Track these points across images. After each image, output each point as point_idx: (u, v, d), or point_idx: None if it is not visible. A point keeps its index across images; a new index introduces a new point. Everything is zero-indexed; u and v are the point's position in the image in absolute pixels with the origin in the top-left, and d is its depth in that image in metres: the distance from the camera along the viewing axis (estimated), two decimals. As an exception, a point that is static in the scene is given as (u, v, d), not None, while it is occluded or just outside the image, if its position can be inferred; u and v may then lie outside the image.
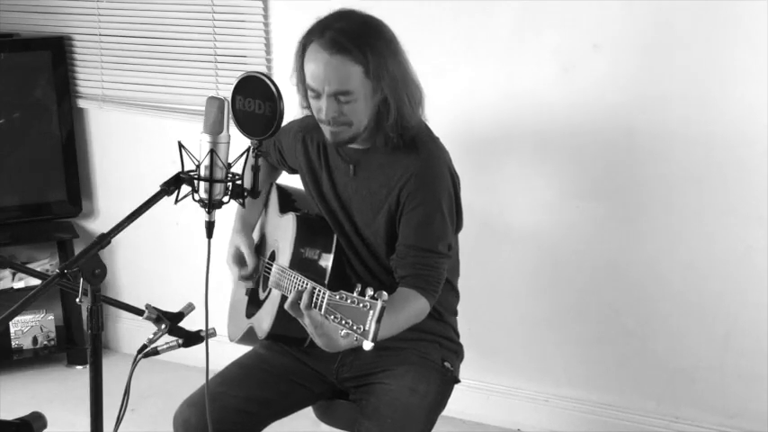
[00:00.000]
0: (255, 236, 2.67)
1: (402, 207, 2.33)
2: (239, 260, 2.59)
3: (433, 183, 2.33)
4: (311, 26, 2.27)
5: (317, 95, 2.25)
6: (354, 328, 1.85)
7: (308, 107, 2.35)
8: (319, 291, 2.01)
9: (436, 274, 2.32)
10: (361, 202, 2.40)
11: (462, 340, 2.58)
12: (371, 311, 1.83)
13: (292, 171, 2.64)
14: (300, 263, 2.37)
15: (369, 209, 2.39)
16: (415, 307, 2.28)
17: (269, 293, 2.48)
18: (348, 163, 2.40)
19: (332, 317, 1.91)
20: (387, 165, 2.35)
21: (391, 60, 2.26)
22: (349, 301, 1.88)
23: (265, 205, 2.69)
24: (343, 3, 2.33)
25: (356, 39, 2.21)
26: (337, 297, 1.91)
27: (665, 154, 3.12)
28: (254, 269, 2.58)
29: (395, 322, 2.18)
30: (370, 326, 1.83)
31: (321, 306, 1.98)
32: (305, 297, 2.04)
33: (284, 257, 2.41)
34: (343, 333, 1.89)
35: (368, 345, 1.84)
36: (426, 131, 2.41)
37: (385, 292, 1.85)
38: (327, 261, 2.39)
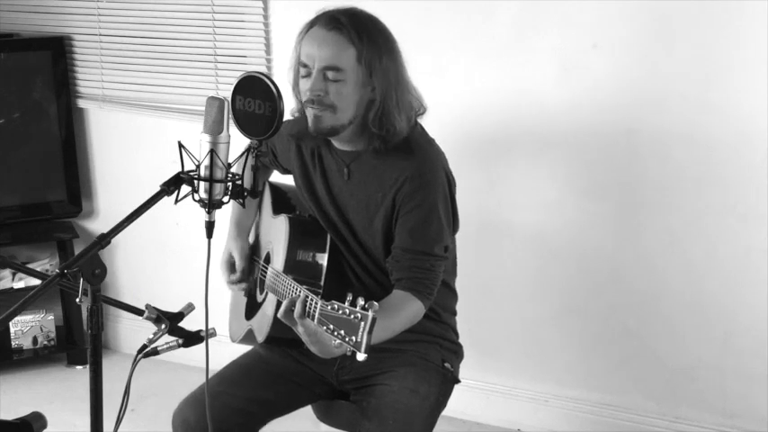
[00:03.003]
0: (250, 237, 2.66)
1: (398, 210, 2.32)
2: (230, 266, 2.60)
3: (429, 185, 2.31)
4: (315, 15, 2.29)
5: (308, 73, 2.25)
6: (347, 339, 1.85)
7: (298, 94, 2.32)
8: (311, 300, 2.01)
9: (432, 277, 2.31)
10: (357, 205, 2.39)
11: (462, 340, 2.58)
12: (363, 323, 1.83)
13: (285, 171, 2.63)
14: (295, 266, 2.36)
15: (365, 212, 2.38)
16: (410, 310, 2.28)
17: (266, 296, 2.47)
18: (342, 166, 2.40)
19: (324, 327, 1.91)
20: (381, 167, 2.34)
21: (387, 58, 2.27)
22: (340, 312, 1.88)
23: (259, 205, 2.69)
24: (342, 2, 2.33)
25: (355, 23, 2.24)
26: (329, 308, 1.91)
27: (665, 154, 3.12)
28: (243, 276, 2.58)
29: (390, 325, 2.17)
30: (362, 338, 1.83)
31: (314, 316, 1.98)
32: (298, 306, 2.04)
33: (278, 261, 2.40)
34: (335, 343, 1.90)
35: (361, 356, 1.84)
36: (421, 134, 2.39)
37: (376, 303, 1.84)
38: (322, 261, 2.38)
